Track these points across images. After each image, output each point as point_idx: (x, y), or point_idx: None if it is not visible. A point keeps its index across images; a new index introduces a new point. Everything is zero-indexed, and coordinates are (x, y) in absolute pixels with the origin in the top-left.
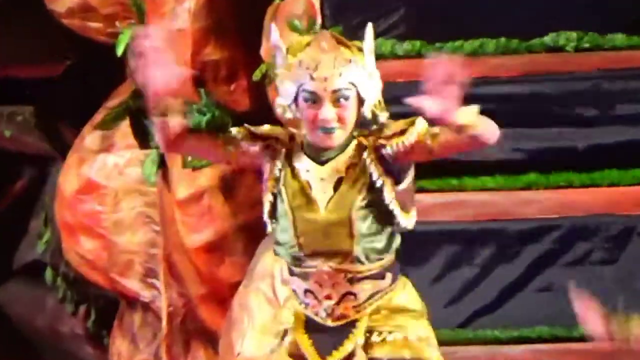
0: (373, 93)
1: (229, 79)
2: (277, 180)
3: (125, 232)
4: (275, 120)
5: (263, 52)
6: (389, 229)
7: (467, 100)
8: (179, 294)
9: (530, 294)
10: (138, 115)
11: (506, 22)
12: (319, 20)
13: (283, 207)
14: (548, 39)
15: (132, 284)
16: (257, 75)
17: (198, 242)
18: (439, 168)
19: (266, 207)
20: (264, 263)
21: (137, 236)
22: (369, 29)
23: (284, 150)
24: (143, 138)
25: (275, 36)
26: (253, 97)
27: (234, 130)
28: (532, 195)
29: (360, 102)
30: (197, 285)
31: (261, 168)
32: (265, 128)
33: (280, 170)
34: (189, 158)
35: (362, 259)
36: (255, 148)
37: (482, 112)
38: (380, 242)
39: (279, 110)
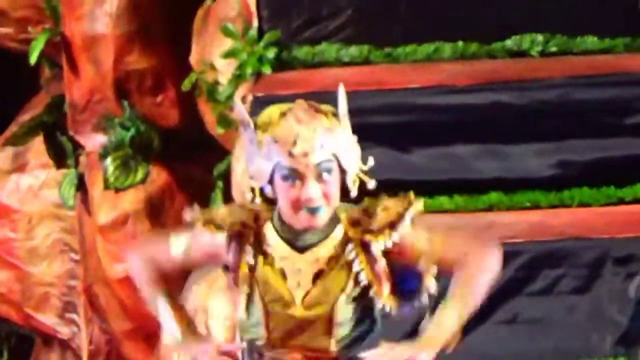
0: (355, 161)
1: (155, 89)
2: (252, 269)
3: (41, 261)
4: (206, 137)
5: (193, 59)
6: (372, 317)
7: (421, 110)
8: (101, 330)
9: (494, 326)
10: (53, 131)
11: (464, 24)
12: (255, 24)
13: (254, 299)
14: (511, 42)
15: (49, 320)
16: (186, 86)
17: (122, 272)
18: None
19: (242, 302)
20: (195, 296)
21: (54, 266)
22: (341, 90)
23: (252, 234)
24: (59, 156)
25: (241, 110)
26: (182, 109)
27: (187, 230)
28: (494, 217)
29: (342, 172)
30: (121, 320)
31: (220, 259)
32: (227, 214)
33: (253, 257)
34: (111, 178)
35: (340, 350)
36: (219, 240)
37: (437, 124)
38: (360, 331)
39: (248, 195)
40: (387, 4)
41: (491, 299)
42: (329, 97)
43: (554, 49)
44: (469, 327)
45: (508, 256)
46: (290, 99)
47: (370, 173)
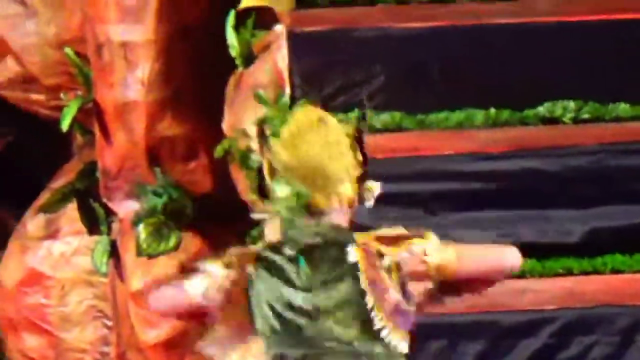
0: None
1: (188, 156)
2: None
3: (74, 327)
4: (239, 204)
5: (225, 126)
6: None
7: (454, 177)
8: None
9: None
10: (86, 198)
11: (496, 91)
12: (287, 91)
13: None
14: (543, 109)
15: None
16: (219, 152)
17: (155, 338)
18: None
19: None
20: None
21: (87, 332)
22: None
23: None
24: (92, 223)
25: None
26: (215, 176)
27: None
28: (526, 284)
29: None
30: None
31: None
32: None
33: None
34: (144, 245)
35: None
36: None
37: (469, 191)
38: None
39: None
40: (419, 71)
41: None
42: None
43: (586, 115)
44: None
45: (540, 323)
46: None
47: None
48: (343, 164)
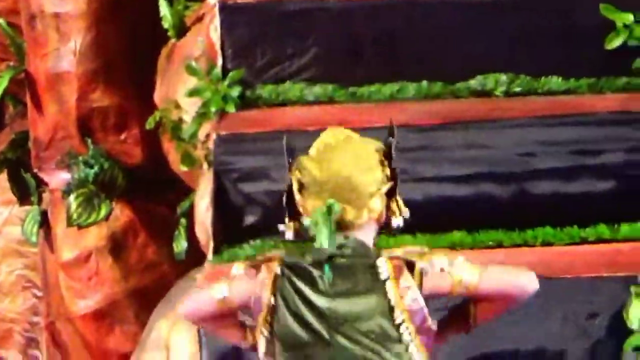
0: None
1: (119, 127)
2: None
3: (4, 298)
4: (169, 175)
5: (157, 97)
6: None
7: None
8: None
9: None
10: (17, 167)
11: (428, 64)
12: (219, 63)
13: None
14: (475, 82)
15: (11, 356)
16: (150, 124)
17: (84, 309)
18: None
19: None
20: (158, 332)
21: (17, 302)
22: None
23: None
24: (22, 193)
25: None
26: (146, 147)
27: None
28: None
29: None
30: (83, 356)
31: None
32: None
33: None
34: (75, 215)
35: None
36: None
37: (400, 162)
38: None
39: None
40: (352, 44)
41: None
42: (292, 136)
43: (517, 89)
44: None
45: None
46: (254, 137)
47: None
48: (373, 178)
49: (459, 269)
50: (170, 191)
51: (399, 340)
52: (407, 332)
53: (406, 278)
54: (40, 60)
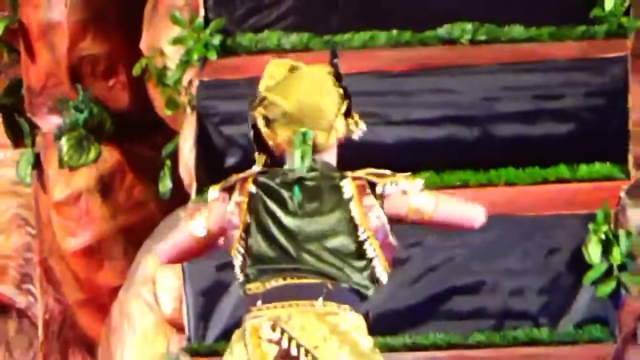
0: None
1: (107, 74)
2: None
3: None
4: (155, 119)
5: (143, 45)
6: None
7: (358, 95)
8: (55, 300)
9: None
10: (11, 113)
11: (399, 14)
12: (201, 12)
13: None
14: (442, 31)
15: (7, 290)
16: (137, 70)
17: (75, 245)
18: None
19: None
20: (145, 267)
21: (12, 240)
22: None
23: None
24: (17, 137)
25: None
26: (133, 93)
27: None
28: None
29: None
30: (74, 290)
31: None
32: None
33: None
34: (66, 157)
35: None
36: None
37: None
38: None
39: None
40: None
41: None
42: None
43: (482, 37)
44: None
45: None
46: (234, 83)
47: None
48: (333, 100)
49: (417, 197)
50: (156, 134)
51: (363, 256)
52: (372, 247)
53: (369, 197)
54: (33, 10)
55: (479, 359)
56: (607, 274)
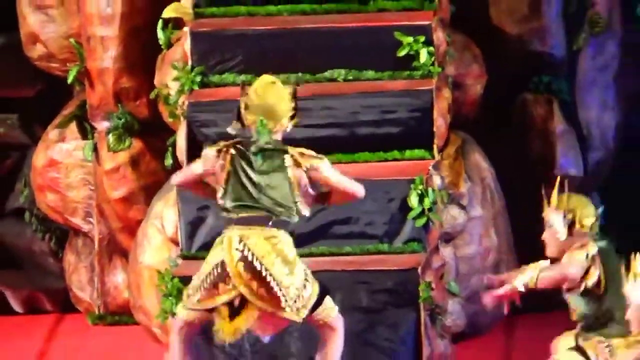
0: None
1: (135, 97)
2: None
3: (73, 190)
4: (163, 124)
5: (156, 81)
6: None
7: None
8: (105, 227)
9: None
10: (81, 119)
11: (302, 63)
12: (190, 63)
13: None
14: (327, 74)
15: (77, 221)
16: (152, 95)
17: (117, 195)
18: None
19: None
20: (156, 208)
21: (80, 192)
22: None
23: None
24: (84, 133)
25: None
26: (151, 109)
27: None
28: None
29: None
30: (116, 222)
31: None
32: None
33: None
34: (112, 145)
35: None
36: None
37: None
38: None
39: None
40: (260, 53)
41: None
42: (230, 103)
43: (350, 77)
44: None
45: None
46: (209, 103)
47: None
48: (286, 106)
49: (325, 170)
50: (164, 132)
51: (294, 202)
52: (299, 196)
53: (298, 169)
54: (93, 62)
55: (347, 261)
56: (421, 213)
